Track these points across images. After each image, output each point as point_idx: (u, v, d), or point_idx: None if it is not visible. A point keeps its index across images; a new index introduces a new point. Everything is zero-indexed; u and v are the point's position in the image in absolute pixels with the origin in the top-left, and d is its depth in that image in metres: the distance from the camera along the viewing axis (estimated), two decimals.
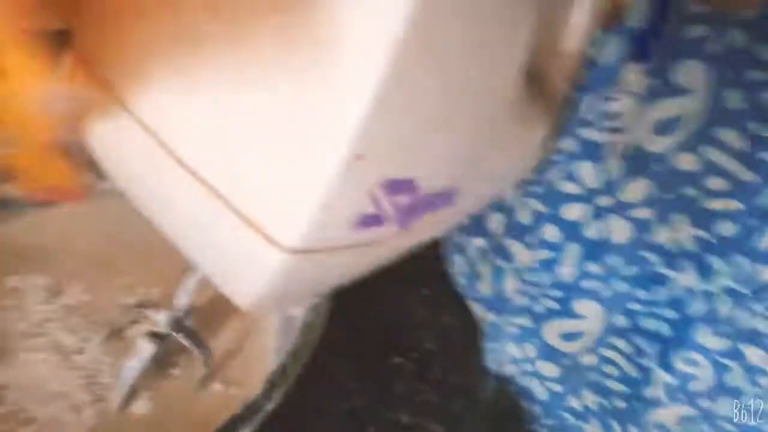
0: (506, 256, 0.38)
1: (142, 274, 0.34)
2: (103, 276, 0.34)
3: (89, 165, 0.37)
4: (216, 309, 0.33)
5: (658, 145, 0.31)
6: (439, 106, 0.21)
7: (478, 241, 0.40)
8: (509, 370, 0.43)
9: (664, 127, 0.31)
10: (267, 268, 0.18)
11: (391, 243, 0.22)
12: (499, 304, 0.40)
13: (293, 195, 0.18)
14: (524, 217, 0.36)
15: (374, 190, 0.19)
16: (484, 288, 0.41)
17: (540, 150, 0.32)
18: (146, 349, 0.29)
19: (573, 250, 0.35)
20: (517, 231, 0.37)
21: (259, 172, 0.18)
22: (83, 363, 0.31)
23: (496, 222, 0.38)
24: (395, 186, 0.19)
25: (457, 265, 0.42)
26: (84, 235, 0.36)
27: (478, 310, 0.42)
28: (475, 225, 0.40)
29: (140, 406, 0.30)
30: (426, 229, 0.23)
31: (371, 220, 0.20)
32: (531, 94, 0.28)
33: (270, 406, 0.25)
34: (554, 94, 0.32)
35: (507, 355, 0.42)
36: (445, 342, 0.42)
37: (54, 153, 0.20)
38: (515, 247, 0.37)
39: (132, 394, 0.30)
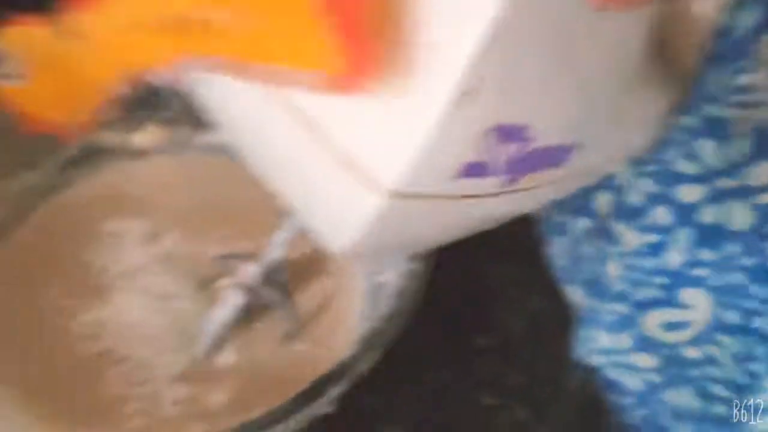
0: (611, 238, 0.36)
1: (235, 227, 0.34)
2: (197, 227, 0.35)
3: (184, 117, 0.38)
4: (306, 269, 0.33)
5: None
6: (558, 53, 0.19)
7: (583, 222, 0.38)
8: (598, 360, 0.41)
9: None
10: (364, 210, 0.18)
11: (493, 200, 0.21)
12: (598, 288, 0.38)
13: (397, 134, 0.17)
14: (634, 198, 0.34)
15: (483, 134, 0.17)
16: (585, 271, 0.38)
17: (659, 126, 0.30)
18: (234, 299, 0.29)
19: (685, 234, 0.33)
20: (626, 212, 0.35)
21: (362, 109, 0.17)
22: (174, 309, 0.31)
23: (603, 202, 0.36)
24: (506, 132, 0.18)
25: (558, 246, 0.40)
26: (180, 187, 0.37)
27: (574, 294, 0.40)
28: (581, 205, 0.38)
29: (226, 356, 0.30)
30: (529, 191, 0.22)
31: (476, 169, 0.18)
32: (656, 64, 0.27)
33: (360, 369, 0.25)
34: (681, 65, 0.30)
35: (598, 344, 0.40)
36: (533, 326, 0.40)
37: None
38: (622, 229, 0.35)
39: (218, 343, 0.30)
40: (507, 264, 0.44)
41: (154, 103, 0.37)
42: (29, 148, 0.34)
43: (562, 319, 0.41)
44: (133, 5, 0.19)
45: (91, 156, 0.37)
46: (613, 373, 0.41)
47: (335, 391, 0.26)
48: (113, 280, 0.32)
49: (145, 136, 0.38)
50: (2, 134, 0.33)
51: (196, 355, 0.29)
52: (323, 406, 0.27)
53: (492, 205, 0.21)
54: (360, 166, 0.18)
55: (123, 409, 0.28)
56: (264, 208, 0.27)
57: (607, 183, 0.36)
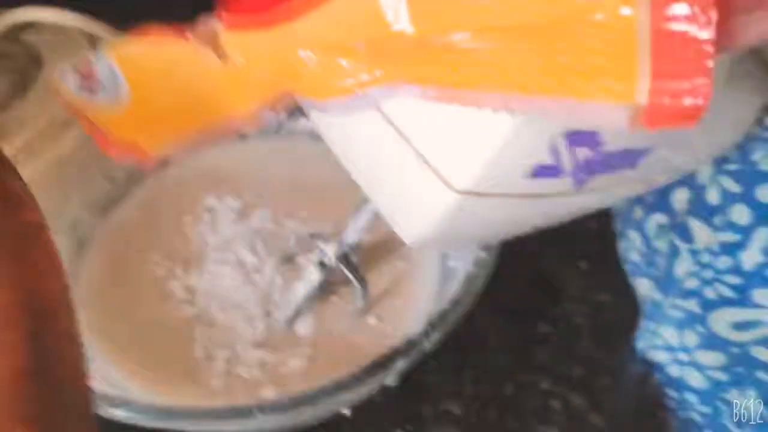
0: (686, 235, 0.35)
1: (317, 209, 0.36)
2: (284, 206, 0.37)
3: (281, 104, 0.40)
4: (381, 250, 0.35)
5: None
6: None
7: (659, 217, 0.38)
8: (660, 357, 0.41)
9: None
10: (438, 205, 0.19)
11: (563, 199, 0.22)
12: (667, 283, 0.38)
13: (473, 138, 0.19)
14: (713, 197, 0.34)
15: (555, 138, 0.19)
16: (656, 266, 0.39)
17: (745, 125, 0.30)
18: (314, 275, 0.31)
19: (762, 234, 0.32)
20: (703, 210, 0.34)
21: (442, 114, 0.19)
22: (260, 281, 0.34)
23: (681, 199, 0.36)
24: (578, 137, 0.19)
25: (632, 240, 0.40)
26: (271, 168, 0.40)
27: (644, 288, 0.40)
28: (658, 200, 0.38)
29: (303, 327, 0.33)
30: (601, 190, 0.23)
31: (547, 171, 0.19)
32: (750, 64, 0.26)
33: (426, 346, 0.27)
34: None
35: (662, 340, 0.40)
36: (596, 319, 0.41)
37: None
38: (697, 227, 0.35)
39: (297, 315, 0.33)
40: (576, 257, 0.44)
41: None
42: None
43: (626, 315, 0.42)
44: (344, 25, 0.17)
45: None
46: (675, 370, 0.41)
47: (401, 365, 0.28)
48: (208, 252, 0.36)
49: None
50: None
51: (276, 323, 0.32)
52: (389, 378, 0.29)
53: (563, 204, 0.22)
54: (437, 165, 0.19)
55: (208, 369, 0.31)
56: (346, 193, 0.30)
57: (686, 180, 0.36)
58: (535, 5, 0.15)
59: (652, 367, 0.43)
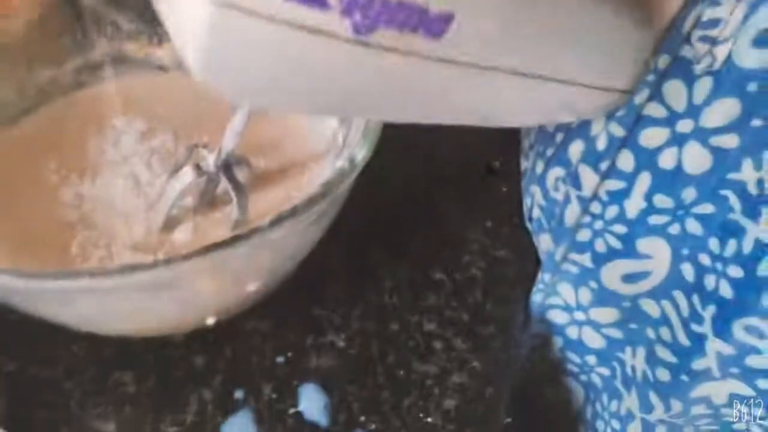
0: (577, 183, 0.36)
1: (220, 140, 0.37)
2: (188, 134, 0.38)
3: None
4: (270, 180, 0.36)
5: (754, 59, 0.27)
6: None
7: (557, 171, 0.38)
8: (559, 318, 0.41)
9: (766, 40, 0.27)
10: (198, 19, 0.18)
11: (341, 51, 0.20)
12: (560, 234, 0.38)
13: None
14: (601, 142, 0.34)
15: None
16: (556, 217, 0.39)
17: (630, 65, 0.30)
18: (187, 176, 0.32)
19: (644, 180, 0.32)
20: (592, 156, 0.35)
21: None
22: (150, 192, 0.35)
23: (576, 151, 0.36)
24: None
25: (534, 195, 0.41)
26: (184, 100, 0.41)
27: (544, 243, 0.41)
28: (557, 154, 0.38)
29: (180, 234, 0.33)
30: (387, 55, 0.21)
31: None
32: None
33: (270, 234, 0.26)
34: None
35: (560, 298, 0.40)
36: (492, 272, 0.42)
37: None
38: (587, 174, 0.35)
39: (174, 221, 0.33)
40: (483, 217, 0.45)
41: None
42: (56, 48, 0.40)
43: (523, 273, 0.42)
44: None
45: (115, 63, 0.42)
46: (574, 332, 0.41)
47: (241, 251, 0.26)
48: (104, 165, 0.37)
49: (165, 52, 0.42)
50: (32, 32, 0.39)
51: (152, 226, 0.33)
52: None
53: (342, 57, 0.20)
54: None
55: (82, 266, 0.32)
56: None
57: (581, 131, 0.36)
58: None
59: (552, 330, 0.43)
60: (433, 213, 0.45)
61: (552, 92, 0.28)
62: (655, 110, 0.32)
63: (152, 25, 0.42)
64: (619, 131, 0.33)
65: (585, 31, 0.28)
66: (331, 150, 0.39)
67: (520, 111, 0.30)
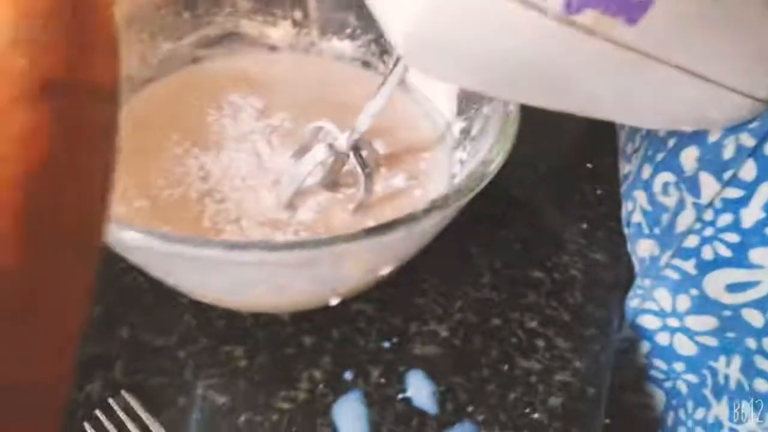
0: (695, 189, 0.36)
1: (337, 121, 0.38)
2: (305, 114, 0.39)
3: (313, 22, 0.42)
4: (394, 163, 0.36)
5: None
6: None
7: (666, 175, 0.38)
8: (651, 323, 0.41)
9: None
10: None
11: (546, 30, 0.21)
12: (668, 240, 0.38)
13: None
14: (728, 152, 0.34)
15: None
16: (661, 223, 0.39)
17: None
18: (320, 153, 0.32)
19: (765, 190, 0.32)
20: (715, 165, 0.35)
21: None
22: (272, 168, 0.36)
23: (690, 156, 0.36)
24: None
25: (636, 200, 0.41)
26: (298, 81, 0.42)
27: (643, 249, 0.41)
28: (668, 159, 0.38)
29: (304, 212, 0.34)
30: (585, 39, 0.22)
31: None
32: None
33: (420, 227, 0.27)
34: None
35: (654, 303, 0.40)
36: (590, 274, 0.42)
37: None
38: (706, 180, 0.35)
39: (298, 199, 0.34)
40: (578, 218, 0.45)
41: (290, 3, 0.42)
42: (177, 21, 0.40)
43: (619, 277, 0.42)
44: None
45: (229, 39, 0.42)
46: (665, 338, 0.41)
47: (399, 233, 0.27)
48: (226, 140, 0.37)
49: (278, 32, 0.43)
50: (157, 4, 0.39)
51: (278, 200, 0.33)
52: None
53: (546, 34, 0.21)
54: None
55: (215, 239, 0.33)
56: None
57: (696, 139, 0.36)
58: None
59: (641, 335, 0.43)
60: (530, 212, 0.45)
61: (698, 91, 0.29)
62: None
63: (269, 5, 0.42)
64: (749, 142, 0.33)
65: (751, 33, 0.28)
66: (445, 141, 0.39)
67: (659, 109, 0.31)
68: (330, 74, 0.42)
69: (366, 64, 0.43)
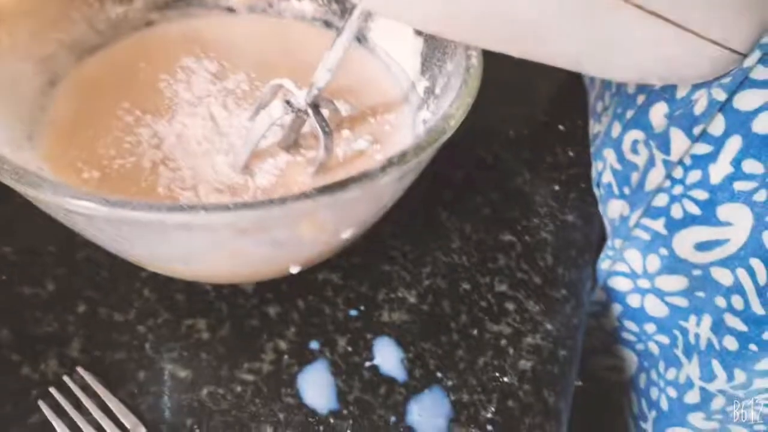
0: (666, 147, 0.35)
1: (298, 80, 0.36)
2: (262, 75, 0.37)
3: None
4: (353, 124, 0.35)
5: None
6: None
7: (635, 133, 0.37)
8: (622, 285, 0.41)
9: None
10: None
11: None
12: (638, 198, 0.38)
13: None
14: (699, 107, 0.33)
15: None
16: (631, 181, 0.38)
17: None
18: (276, 110, 0.30)
19: (733, 144, 0.32)
20: (685, 120, 0.34)
21: None
22: (229, 132, 0.34)
23: (659, 113, 0.35)
24: None
25: (606, 159, 0.40)
26: (255, 42, 0.40)
27: (614, 209, 0.40)
28: (636, 116, 0.37)
29: (262, 177, 0.32)
30: None
31: None
32: None
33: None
34: None
35: (625, 264, 0.40)
36: (560, 236, 0.41)
37: None
38: (678, 138, 0.34)
39: (255, 163, 0.32)
40: (551, 180, 0.44)
41: None
42: None
43: (589, 239, 0.42)
44: None
45: (184, 2, 0.40)
46: (636, 300, 0.41)
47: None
48: (179, 105, 0.36)
49: None
50: None
51: (236, 166, 0.32)
52: None
53: None
54: None
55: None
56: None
57: (665, 94, 0.35)
58: None
59: (612, 297, 0.43)
60: (500, 175, 0.44)
61: (671, 41, 0.28)
62: (761, 73, 0.31)
63: None
64: (721, 96, 0.33)
65: None
66: (409, 101, 0.38)
67: (632, 59, 0.30)
68: (290, 35, 0.40)
69: (327, 24, 0.41)
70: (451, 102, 0.29)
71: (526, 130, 0.47)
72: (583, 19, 0.25)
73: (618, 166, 0.40)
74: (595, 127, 0.44)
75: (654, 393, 0.42)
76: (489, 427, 0.32)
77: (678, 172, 0.35)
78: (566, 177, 0.44)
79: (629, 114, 0.38)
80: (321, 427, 0.31)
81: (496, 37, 0.26)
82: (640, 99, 0.38)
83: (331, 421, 0.32)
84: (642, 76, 0.33)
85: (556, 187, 0.44)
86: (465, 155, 0.44)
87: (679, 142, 0.35)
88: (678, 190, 0.35)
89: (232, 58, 0.38)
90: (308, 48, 0.39)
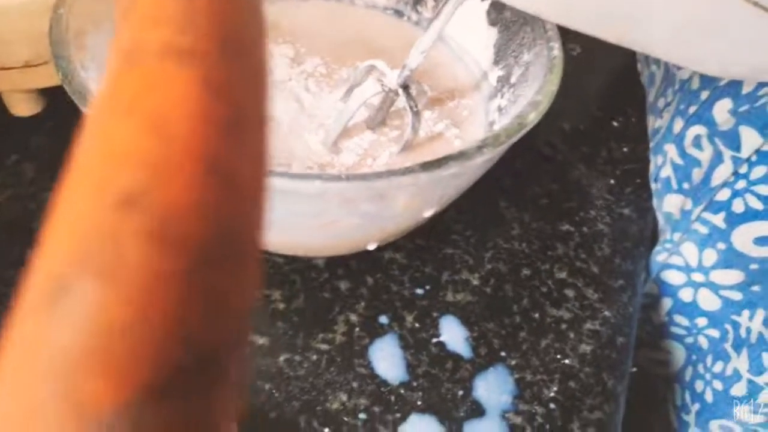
0: (735, 144, 0.36)
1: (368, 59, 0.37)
2: (337, 58, 0.39)
3: None
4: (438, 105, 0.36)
5: None
6: None
7: (698, 129, 0.38)
8: (675, 278, 0.42)
9: None
10: None
11: None
12: (701, 193, 0.39)
13: None
14: None
15: None
16: (692, 177, 0.39)
17: None
18: (369, 88, 0.32)
19: None
20: (757, 118, 0.35)
21: None
22: (316, 113, 0.36)
23: (723, 109, 0.36)
24: None
25: (667, 154, 0.41)
26: (328, 27, 0.41)
27: (671, 204, 0.41)
28: (700, 112, 0.38)
29: (347, 156, 0.34)
30: None
31: None
32: None
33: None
34: None
35: (681, 258, 0.41)
36: (617, 228, 0.42)
37: None
38: (749, 135, 0.35)
39: (344, 140, 0.34)
40: (606, 174, 0.46)
41: None
42: None
43: (645, 233, 0.43)
44: None
45: None
46: (688, 294, 0.42)
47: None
48: None
49: None
50: None
51: (325, 140, 0.33)
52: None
53: None
54: None
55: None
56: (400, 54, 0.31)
57: (730, 91, 0.36)
58: None
59: (663, 291, 0.44)
60: (557, 168, 0.45)
61: None
62: None
63: None
64: None
65: None
66: (480, 89, 0.39)
67: (744, 52, 0.30)
68: (362, 22, 0.42)
69: (399, 13, 0.43)
70: (537, 90, 0.30)
71: (581, 124, 0.48)
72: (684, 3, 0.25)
73: (680, 161, 0.41)
74: (655, 123, 0.45)
75: (699, 385, 0.43)
76: (552, 406, 0.34)
77: (743, 168, 0.36)
78: (621, 172, 0.45)
79: (692, 110, 0.40)
80: (392, 397, 0.33)
81: (593, 22, 0.27)
82: (704, 95, 0.39)
83: (402, 391, 0.33)
84: (728, 68, 0.34)
85: (612, 182, 0.45)
86: (522, 146, 0.45)
87: (751, 139, 0.36)
88: (741, 184, 0.36)
89: (307, 43, 0.40)
90: (381, 35, 0.40)
